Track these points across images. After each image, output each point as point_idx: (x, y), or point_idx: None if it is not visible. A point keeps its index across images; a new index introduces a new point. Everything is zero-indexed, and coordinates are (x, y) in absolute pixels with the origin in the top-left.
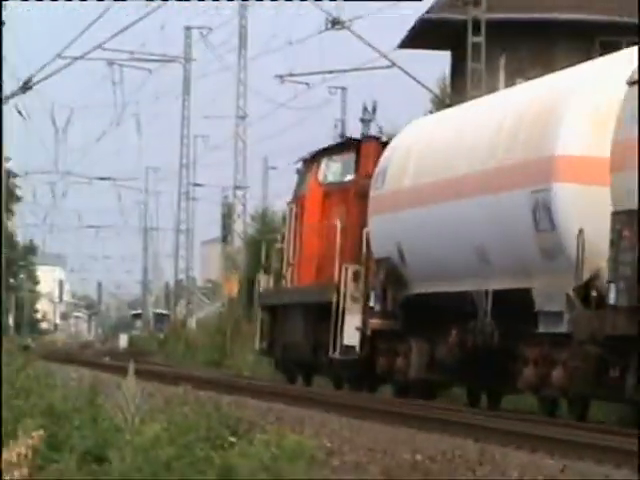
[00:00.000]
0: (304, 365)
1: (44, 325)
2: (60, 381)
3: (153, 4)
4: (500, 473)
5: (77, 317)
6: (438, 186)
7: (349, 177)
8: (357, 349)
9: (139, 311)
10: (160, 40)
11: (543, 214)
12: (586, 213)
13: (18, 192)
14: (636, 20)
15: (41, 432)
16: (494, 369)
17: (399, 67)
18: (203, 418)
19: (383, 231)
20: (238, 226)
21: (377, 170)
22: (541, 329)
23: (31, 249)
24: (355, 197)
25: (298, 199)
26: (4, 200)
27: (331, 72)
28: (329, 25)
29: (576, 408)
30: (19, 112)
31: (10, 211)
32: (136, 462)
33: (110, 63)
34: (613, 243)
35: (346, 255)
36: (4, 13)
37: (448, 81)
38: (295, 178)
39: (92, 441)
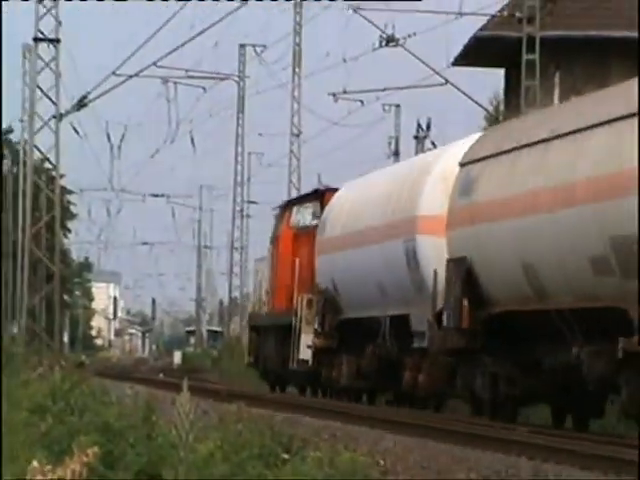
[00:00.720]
0: (277, 375)
1: (98, 342)
2: (115, 398)
3: (207, 22)
4: None
5: (131, 334)
6: (354, 235)
7: (313, 222)
8: (310, 362)
9: (193, 328)
10: (214, 58)
11: (412, 258)
12: (440, 258)
13: (73, 209)
14: None
15: (96, 449)
16: (395, 376)
17: (453, 84)
18: (256, 436)
19: (323, 268)
20: None
21: (322, 218)
22: (415, 344)
23: (86, 266)
24: (313, 239)
25: (275, 239)
26: (59, 217)
27: (385, 89)
28: (383, 42)
29: (431, 403)
30: (74, 129)
31: (65, 228)
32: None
33: (165, 81)
34: (447, 282)
35: (303, 286)
36: (60, 31)
37: (501, 98)
38: (273, 222)
39: (146, 458)
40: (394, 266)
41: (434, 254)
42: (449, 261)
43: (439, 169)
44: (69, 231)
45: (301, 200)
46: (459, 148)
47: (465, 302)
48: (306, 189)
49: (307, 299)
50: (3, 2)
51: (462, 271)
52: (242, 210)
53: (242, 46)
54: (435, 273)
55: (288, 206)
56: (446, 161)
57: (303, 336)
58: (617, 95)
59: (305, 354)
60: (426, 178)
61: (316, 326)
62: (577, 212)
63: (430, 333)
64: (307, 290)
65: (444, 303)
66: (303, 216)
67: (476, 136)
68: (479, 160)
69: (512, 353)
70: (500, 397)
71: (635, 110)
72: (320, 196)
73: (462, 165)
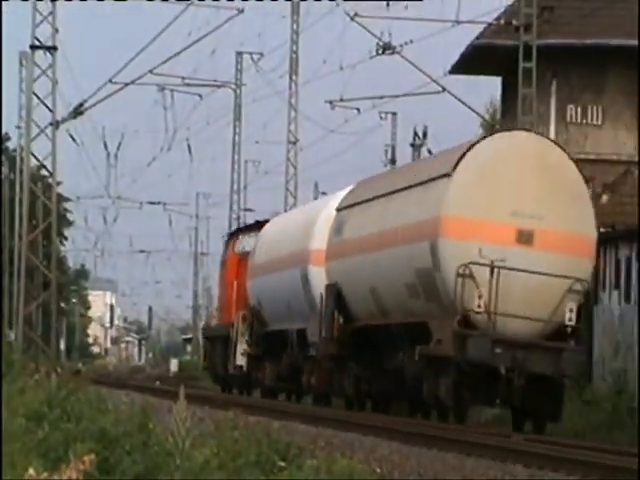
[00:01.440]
0: (223, 378)
1: (95, 349)
2: (111, 405)
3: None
4: None
5: (128, 341)
6: (271, 262)
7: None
8: (244, 367)
9: (189, 336)
10: (211, 65)
11: (306, 283)
12: (324, 283)
13: (70, 217)
14: None
15: (92, 456)
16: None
17: (450, 92)
18: (253, 443)
19: (253, 288)
20: None
21: (253, 246)
22: (310, 353)
23: (82, 273)
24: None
25: (223, 263)
26: (56, 224)
27: (382, 97)
28: (380, 50)
29: (318, 399)
30: (71, 137)
31: (62, 235)
32: None
33: (161, 88)
34: (325, 302)
35: (240, 303)
36: (57, 38)
37: (497, 105)
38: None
39: (143, 465)
40: (295, 289)
41: (321, 280)
42: (327, 286)
43: (325, 213)
44: (66, 239)
45: (246, 229)
46: (341, 196)
47: (336, 317)
48: (303, 197)
49: (242, 314)
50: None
51: (334, 293)
52: (239, 218)
53: (239, 54)
54: (321, 295)
55: (235, 234)
56: (331, 207)
57: (239, 345)
58: (427, 164)
59: (240, 360)
60: (316, 220)
61: (247, 337)
62: (398, 250)
63: (317, 343)
64: (243, 307)
65: (323, 318)
66: (247, 243)
67: (351, 187)
68: (348, 207)
69: (369, 359)
70: (362, 395)
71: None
72: (260, 226)
73: (338, 210)
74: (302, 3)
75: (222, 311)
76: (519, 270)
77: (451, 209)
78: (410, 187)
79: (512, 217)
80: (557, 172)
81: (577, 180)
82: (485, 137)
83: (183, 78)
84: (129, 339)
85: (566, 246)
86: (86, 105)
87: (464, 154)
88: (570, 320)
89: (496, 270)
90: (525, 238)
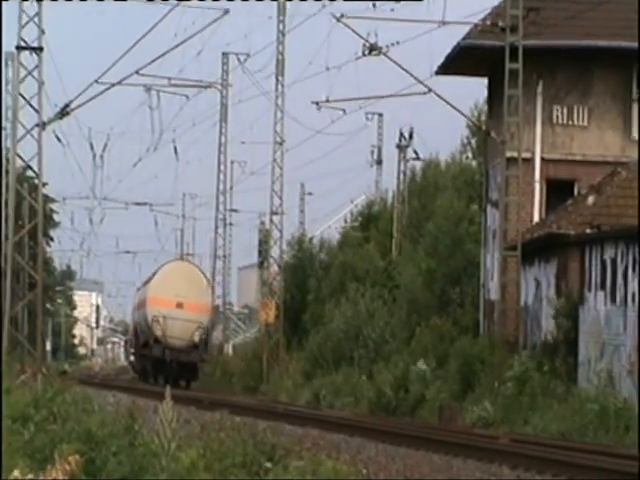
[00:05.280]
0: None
1: (81, 350)
2: (97, 406)
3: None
4: None
5: (114, 342)
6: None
7: None
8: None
9: None
10: (197, 66)
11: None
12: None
13: (56, 217)
14: None
15: (78, 457)
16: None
17: (436, 93)
18: (239, 444)
19: (133, 317)
20: (275, 252)
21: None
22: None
23: (68, 274)
24: None
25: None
26: (42, 225)
27: (368, 98)
28: (366, 51)
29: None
30: (57, 138)
31: (48, 236)
32: None
33: (147, 89)
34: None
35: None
36: (43, 39)
37: (483, 107)
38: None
39: (129, 467)
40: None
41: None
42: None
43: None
44: (52, 239)
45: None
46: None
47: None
48: (288, 198)
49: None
50: None
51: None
52: (225, 218)
53: (225, 54)
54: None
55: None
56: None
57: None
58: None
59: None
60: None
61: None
62: None
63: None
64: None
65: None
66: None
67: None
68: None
69: None
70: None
71: None
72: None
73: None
74: (288, 4)
75: None
76: (177, 319)
77: (151, 293)
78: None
79: (174, 296)
80: (194, 277)
81: (202, 280)
82: (164, 264)
83: (169, 79)
84: (115, 340)
85: (196, 308)
86: (72, 106)
87: (157, 271)
88: (196, 340)
89: (165, 318)
90: (180, 305)
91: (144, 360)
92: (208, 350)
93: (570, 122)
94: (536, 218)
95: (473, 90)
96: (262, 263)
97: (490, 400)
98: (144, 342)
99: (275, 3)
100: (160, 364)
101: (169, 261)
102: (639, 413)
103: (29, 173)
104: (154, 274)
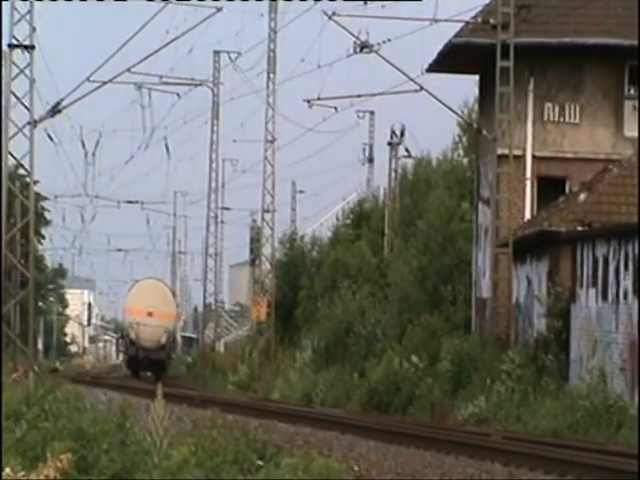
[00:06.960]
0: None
1: (73, 348)
2: (89, 404)
3: (181, 28)
4: None
5: (105, 340)
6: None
7: None
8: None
9: None
10: (189, 64)
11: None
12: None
13: (47, 215)
14: None
15: (69, 455)
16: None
17: (427, 91)
18: (231, 441)
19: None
20: (266, 250)
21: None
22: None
23: (60, 272)
24: None
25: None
26: (33, 223)
27: (359, 96)
28: (357, 49)
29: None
30: (48, 136)
31: (40, 234)
32: None
33: (139, 87)
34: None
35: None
36: (35, 37)
37: (474, 105)
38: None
39: (120, 464)
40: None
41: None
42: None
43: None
44: (43, 237)
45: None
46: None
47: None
48: (280, 196)
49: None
50: None
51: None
52: (216, 216)
53: (216, 52)
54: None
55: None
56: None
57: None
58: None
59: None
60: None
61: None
62: None
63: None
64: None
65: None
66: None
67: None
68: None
69: None
70: None
71: None
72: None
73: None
74: (280, 2)
75: None
76: (148, 325)
77: (128, 304)
78: None
79: (145, 307)
80: (162, 291)
81: (169, 293)
82: (138, 281)
83: (161, 77)
84: (107, 338)
85: (163, 316)
86: (64, 104)
87: (132, 287)
88: (163, 342)
89: (139, 324)
90: (150, 314)
91: (126, 357)
92: (175, 349)
93: (561, 119)
94: (527, 215)
95: (464, 88)
96: (254, 261)
97: (483, 397)
98: (125, 343)
99: (267, 1)
100: (135, 361)
101: (142, 279)
102: (639, 413)
103: (21, 171)
104: (130, 289)
